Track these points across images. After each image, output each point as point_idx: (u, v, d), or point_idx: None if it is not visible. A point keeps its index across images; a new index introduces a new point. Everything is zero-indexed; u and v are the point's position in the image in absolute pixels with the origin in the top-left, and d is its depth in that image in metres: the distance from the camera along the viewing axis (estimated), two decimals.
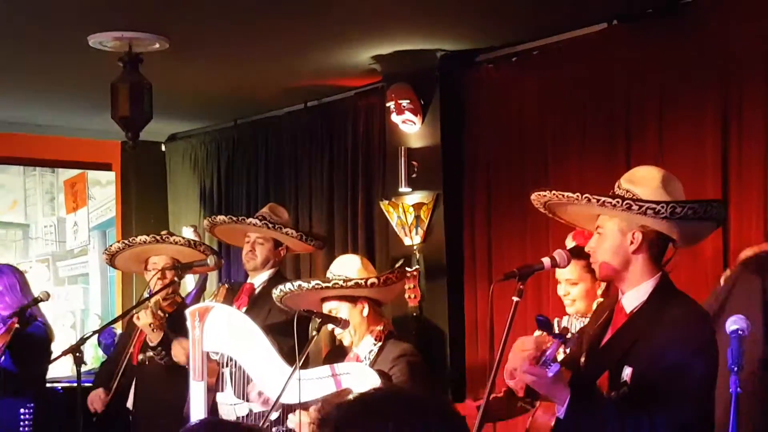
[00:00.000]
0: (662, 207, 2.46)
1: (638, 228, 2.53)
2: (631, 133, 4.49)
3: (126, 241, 4.63)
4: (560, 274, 3.57)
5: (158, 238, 4.51)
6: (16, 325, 4.35)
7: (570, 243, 3.65)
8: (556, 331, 2.61)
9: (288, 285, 3.57)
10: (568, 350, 3.37)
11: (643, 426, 2.36)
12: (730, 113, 4.12)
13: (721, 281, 3.45)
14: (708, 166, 4.14)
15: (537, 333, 3.56)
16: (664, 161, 4.15)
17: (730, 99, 4.12)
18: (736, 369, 2.14)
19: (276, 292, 3.61)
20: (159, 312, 4.27)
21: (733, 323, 2.18)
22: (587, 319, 3.52)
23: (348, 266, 3.56)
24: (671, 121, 4.33)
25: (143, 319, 4.24)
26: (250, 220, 4.40)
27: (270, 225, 4.36)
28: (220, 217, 4.63)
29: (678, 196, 2.55)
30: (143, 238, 4.53)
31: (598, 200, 2.53)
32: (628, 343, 2.52)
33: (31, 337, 4.50)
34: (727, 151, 4.12)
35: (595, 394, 2.53)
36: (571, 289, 3.52)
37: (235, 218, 4.54)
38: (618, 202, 2.50)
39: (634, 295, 2.56)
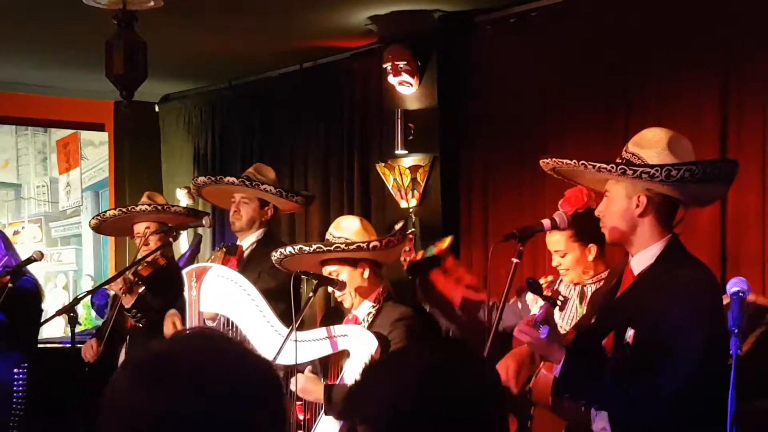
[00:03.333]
0: (656, 171, 2.43)
1: (643, 191, 2.51)
2: (630, 95, 4.45)
3: (98, 217, 4.73)
4: (550, 245, 3.57)
5: (125, 210, 4.56)
6: (9, 283, 4.32)
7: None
8: (547, 294, 2.63)
9: (288, 248, 3.53)
10: (561, 312, 3.39)
11: (641, 384, 2.37)
12: (730, 80, 4.08)
13: None
14: (707, 132, 4.11)
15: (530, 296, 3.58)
16: (663, 125, 4.11)
17: (730, 66, 4.08)
18: (736, 331, 2.13)
19: (276, 255, 3.58)
20: (129, 275, 4.28)
21: (734, 285, 2.19)
22: (592, 285, 3.54)
23: (348, 228, 3.53)
24: (671, 85, 4.30)
25: (115, 284, 4.29)
26: (228, 178, 4.36)
27: (248, 182, 4.31)
28: (201, 179, 4.60)
29: (685, 157, 2.52)
30: (112, 212, 4.64)
31: (594, 166, 2.52)
32: (633, 305, 2.53)
33: (22, 290, 4.49)
34: (727, 117, 4.09)
35: (598, 354, 2.54)
36: (562, 260, 3.53)
37: (214, 178, 4.50)
38: (612, 167, 2.49)
39: (641, 258, 2.56)
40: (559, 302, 2.60)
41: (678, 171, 2.43)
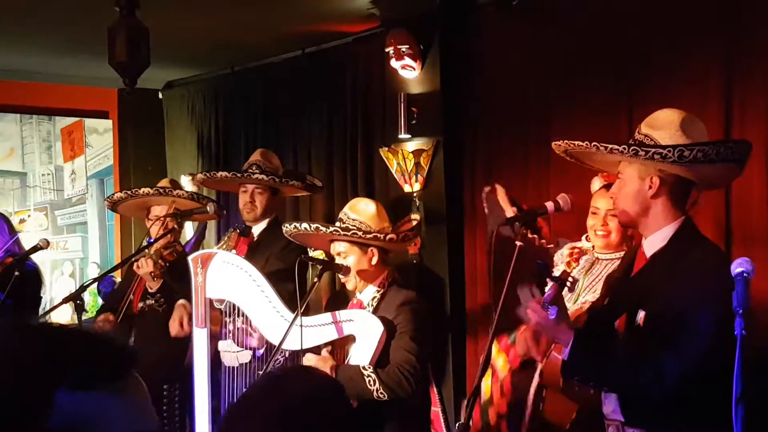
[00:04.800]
0: (669, 151, 2.43)
1: (656, 173, 2.51)
2: (634, 80, 4.43)
3: (129, 192, 4.68)
4: (600, 204, 3.52)
5: (161, 190, 4.54)
6: (16, 271, 4.34)
7: (597, 182, 3.64)
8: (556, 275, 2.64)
9: (304, 225, 3.56)
10: (570, 294, 3.40)
11: (650, 366, 2.37)
12: (733, 67, 4.06)
13: None
14: (710, 116, 4.06)
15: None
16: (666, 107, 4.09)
17: (734, 52, 4.06)
18: (741, 311, 2.11)
19: (289, 228, 3.60)
20: (160, 261, 4.31)
21: (739, 266, 2.17)
22: (608, 256, 3.53)
23: (364, 211, 3.53)
24: (675, 69, 4.27)
25: (144, 267, 4.29)
26: (257, 175, 4.36)
27: (277, 179, 4.33)
28: (222, 173, 4.59)
29: (698, 138, 2.51)
30: (146, 190, 4.57)
31: (606, 147, 2.53)
32: (644, 287, 2.54)
33: (25, 274, 4.52)
34: (730, 104, 4.07)
35: (609, 336, 2.54)
36: (611, 221, 3.49)
37: (238, 173, 4.48)
38: (625, 148, 2.49)
39: (654, 240, 2.56)
40: (568, 283, 2.61)
41: (690, 151, 2.43)
